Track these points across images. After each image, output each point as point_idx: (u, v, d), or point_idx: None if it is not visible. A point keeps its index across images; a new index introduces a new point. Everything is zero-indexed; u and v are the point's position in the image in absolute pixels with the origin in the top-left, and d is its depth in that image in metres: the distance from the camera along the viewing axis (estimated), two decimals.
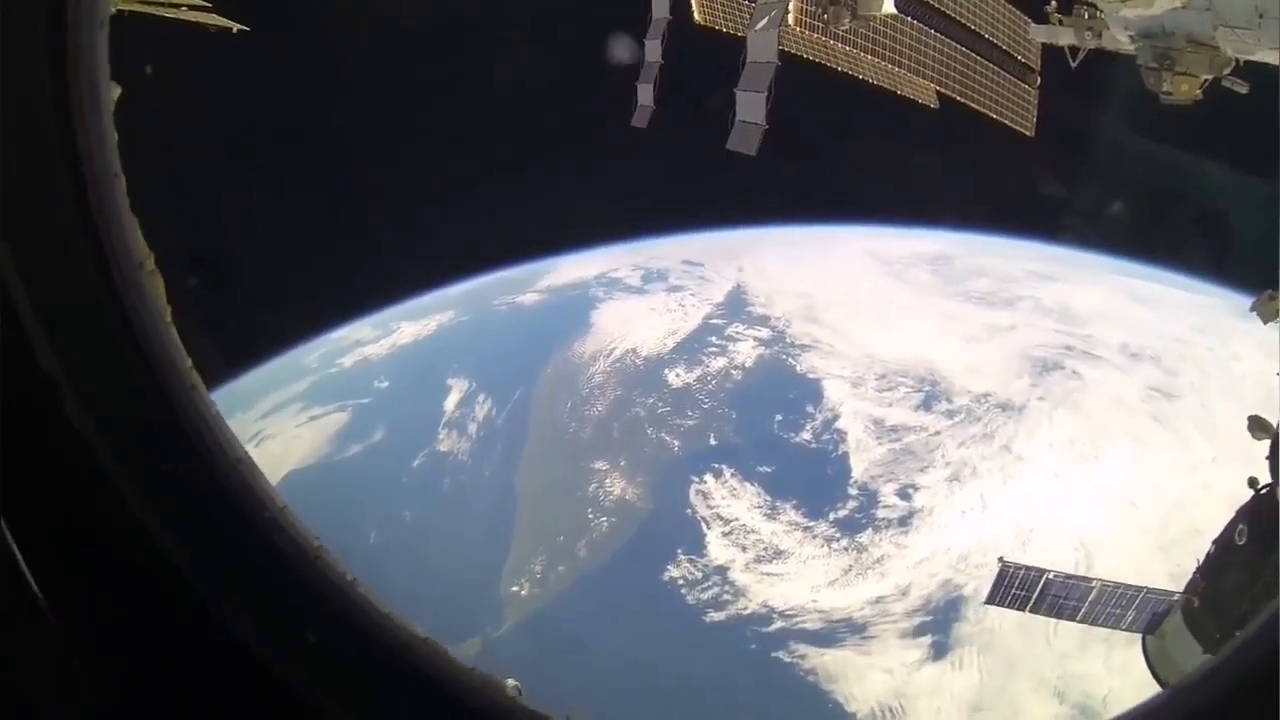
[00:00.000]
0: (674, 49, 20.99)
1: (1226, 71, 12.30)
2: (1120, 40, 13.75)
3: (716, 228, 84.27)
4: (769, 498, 61.26)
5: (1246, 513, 11.25)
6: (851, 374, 68.64)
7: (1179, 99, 12.65)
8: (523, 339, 76.38)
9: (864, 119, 57.62)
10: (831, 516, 60.01)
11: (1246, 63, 11.99)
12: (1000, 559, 18.95)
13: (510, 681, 3.06)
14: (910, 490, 60.93)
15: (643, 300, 78.83)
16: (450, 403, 70.68)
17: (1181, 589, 13.19)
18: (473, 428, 68.90)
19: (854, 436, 64.29)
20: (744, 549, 58.92)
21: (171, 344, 2.89)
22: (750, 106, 16.44)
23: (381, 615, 3.01)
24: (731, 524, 60.14)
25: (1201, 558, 12.15)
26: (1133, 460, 60.66)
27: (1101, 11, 13.95)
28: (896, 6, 17.14)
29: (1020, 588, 18.33)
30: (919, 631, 54.88)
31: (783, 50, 16.66)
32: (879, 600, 56.07)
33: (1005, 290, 76.10)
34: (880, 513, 59.97)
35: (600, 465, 64.66)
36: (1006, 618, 55.66)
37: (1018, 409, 65.52)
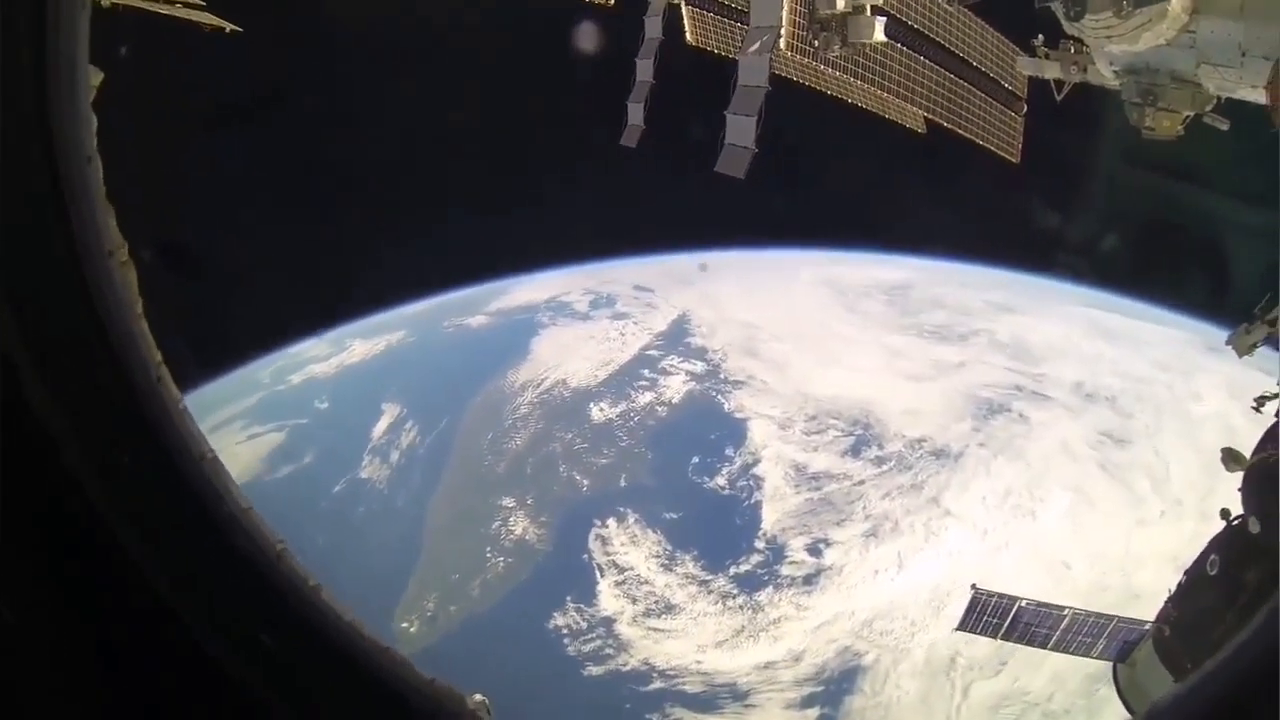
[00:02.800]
0: (665, 68, 21.38)
1: (1208, 108, 12.47)
2: (1105, 75, 13.90)
3: (686, 249, 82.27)
4: (670, 547, 58.13)
5: (1219, 543, 11.11)
6: (781, 414, 65.04)
7: (1161, 134, 12.84)
8: (461, 364, 75.01)
9: (849, 143, 56.96)
10: (732, 571, 56.51)
11: (1228, 100, 12.15)
12: (973, 585, 19.00)
13: (477, 696, 3.08)
14: (822, 545, 57.01)
15: (585, 328, 76.87)
16: (379, 428, 69.69)
17: (1151, 620, 13.47)
18: (395, 455, 67.66)
19: (771, 484, 60.64)
20: (634, 600, 55.96)
21: (141, 334, 2.84)
22: (740, 130, 16.74)
23: (343, 621, 2.97)
24: (626, 573, 57.24)
25: (1173, 587, 12.09)
26: (1072, 515, 56.13)
27: (1087, 47, 14.05)
28: (887, 33, 17.29)
29: (992, 615, 18.45)
30: (807, 703, 51.12)
31: (773, 74, 16.87)
32: (768, 665, 52.38)
33: (960, 324, 72.06)
34: (785, 569, 56.19)
35: (508, 502, 62.52)
36: (906, 690, 52.14)
37: (954, 456, 61.08)
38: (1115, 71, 13.37)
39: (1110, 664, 14.73)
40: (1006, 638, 18.43)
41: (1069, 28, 12.73)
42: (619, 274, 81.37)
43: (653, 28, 21.53)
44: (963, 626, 18.79)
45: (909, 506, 58.46)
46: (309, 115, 76.51)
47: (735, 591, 55.59)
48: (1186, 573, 11.81)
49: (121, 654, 2.63)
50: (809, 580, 55.53)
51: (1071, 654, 17.70)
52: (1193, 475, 55.02)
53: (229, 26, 20.45)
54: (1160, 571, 49.81)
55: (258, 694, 2.71)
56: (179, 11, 18.93)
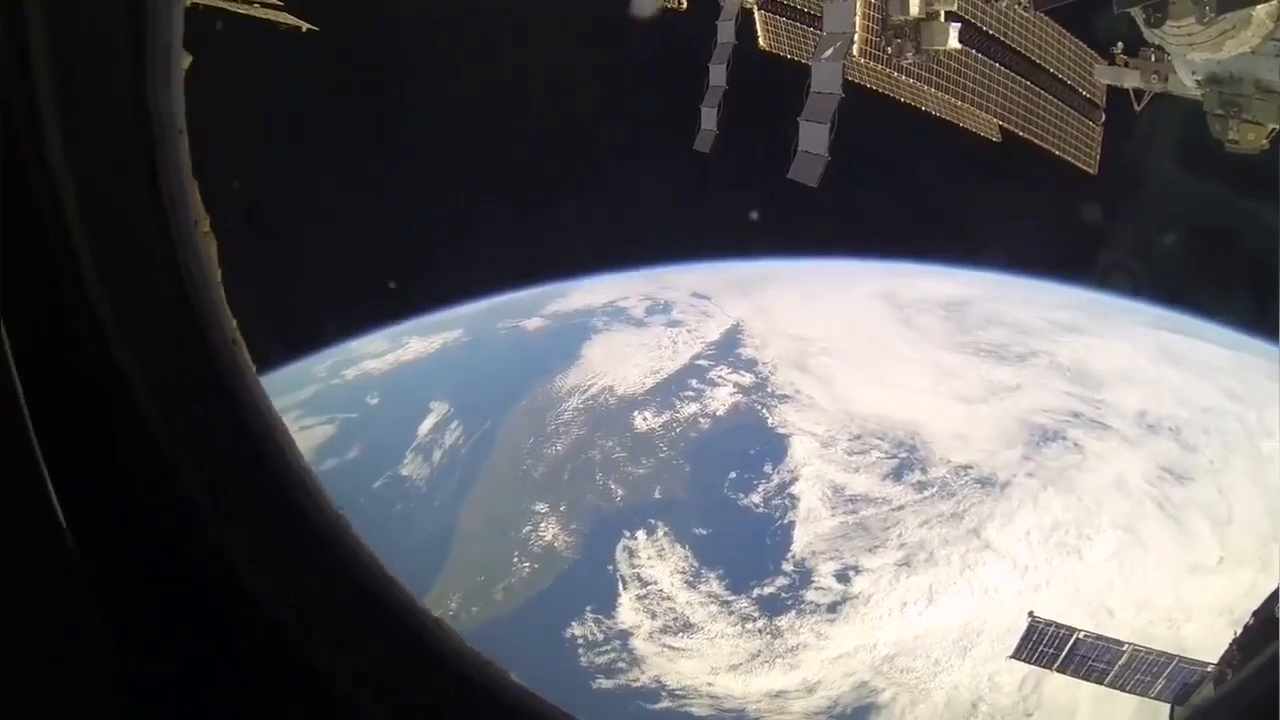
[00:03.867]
0: (737, 73, 21.20)
1: None
2: (1187, 84, 13.49)
3: (750, 257, 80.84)
4: (696, 563, 56.77)
5: None
6: (824, 432, 62.85)
7: (1245, 147, 12.38)
8: (511, 366, 75.24)
9: (923, 151, 57.28)
10: (756, 593, 54.78)
11: None
12: (1030, 613, 18.92)
13: None
14: (851, 572, 54.76)
15: (638, 334, 76.00)
16: (425, 427, 70.35)
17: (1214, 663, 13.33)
18: (437, 455, 68.14)
19: (806, 504, 58.62)
20: (654, 616, 54.85)
21: (219, 301, 2.99)
22: (813, 137, 16.67)
23: (397, 586, 3.04)
24: (649, 587, 56.19)
25: (1239, 630, 11.78)
26: (1122, 556, 52.54)
27: (1168, 55, 13.67)
28: (961, 40, 17.04)
29: (1049, 645, 18.21)
30: None
31: (847, 80, 16.76)
32: (779, 694, 50.62)
33: (1019, 343, 68.57)
34: (810, 595, 54.18)
35: (541, 507, 62.12)
36: None
37: (1000, 485, 57.92)
38: (1197, 81, 12.92)
39: (1168, 705, 14.95)
40: (1062, 670, 18.19)
41: (1149, 35, 12.25)
42: (680, 280, 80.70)
43: (725, 32, 21.38)
44: (1017, 655, 18.68)
45: (947, 537, 55.66)
46: (378, 113, 78.01)
47: (756, 614, 53.87)
48: (1254, 614, 11.39)
49: (180, 604, 2.71)
50: (833, 608, 53.42)
51: (1128, 692, 17.35)
52: (1257, 518, 50.99)
53: (305, 26, 20.85)
54: (1211, 624, 46.26)
55: (309, 654, 2.78)
56: (257, 11, 19.39)
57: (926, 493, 58.41)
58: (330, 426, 71.10)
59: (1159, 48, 13.67)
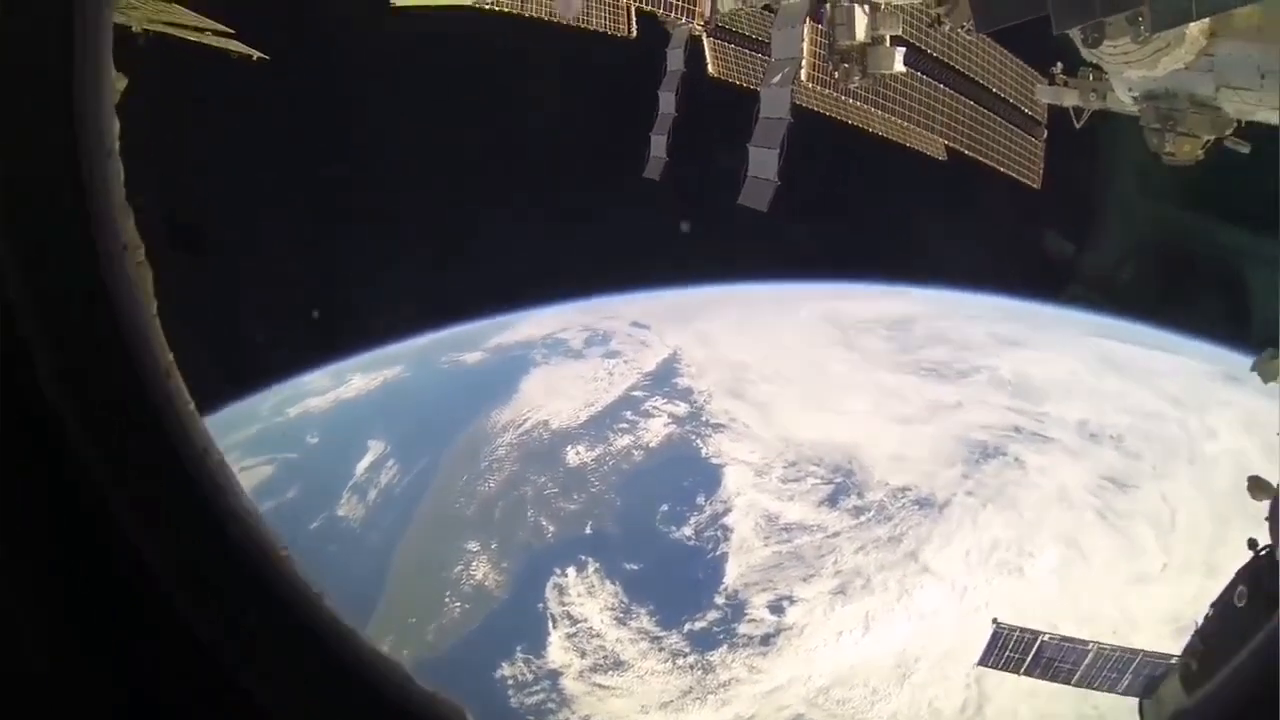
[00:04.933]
0: (687, 99, 21.66)
1: (1229, 132, 12.53)
2: (1124, 101, 14.00)
3: (697, 283, 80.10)
4: (626, 599, 55.29)
5: (1246, 574, 10.81)
6: (759, 460, 61.60)
7: (1181, 159, 12.88)
8: (449, 402, 73.90)
9: (871, 172, 57.12)
10: (687, 627, 53.25)
11: (1248, 122, 12.26)
12: (994, 620, 19.31)
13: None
14: (784, 603, 53.32)
15: (576, 366, 74.89)
16: (362, 465, 69.07)
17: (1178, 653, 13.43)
18: (372, 494, 66.89)
19: (739, 535, 57.27)
20: (583, 654, 53.30)
21: (154, 334, 2.89)
22: (763, 162, 16.97)
23: (345, 629, 2.93)
24: (579, 625, 54.69)
25: (1200, 620, 11.76)
26: (1063, 571, 51.21)
27: (1106, 73, 14.12)
28: (906, 63, 17.32)
29: (1014, 650, 18.65)
30: None
31: (795, 105, 17.22)
32: None
33: (961, 360, 67.91)
34: (743, 627, 52.67)
35: (472, 546, 60.75)
36: None
37: (939, 506, 56.69)
38: (1134, 97, 13.42)
39: (1136, 700, 14.36)
40: (1029, 673, 18.65)
41: (1087, 54, 12.70)
42: (622, 309, 79.78)
43: (675, 60, 21.61)
44: (984, 662, 19.15)
45: (883, 562, 54.35)
46: (319, 143, 77.37)
47: (687, 650, 52.25)
48: (1213, 605, 11.49)
49: (119, 644, 2.59)
50: (766, 640, 51.89)
51: (1095, 689, 17.77)
52: (1201, 523, 49.97)
53: (256, 54, 20.89)
54: (1157, 634, 45.06)
55: (255, 695, 2.65)
56: (208, 39, 19.45)
57: (863, 517, 57.14)
58: (269, 467, 69.73)
59: (1097, 66, 14.10)
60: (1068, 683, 18.30)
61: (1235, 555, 10.54)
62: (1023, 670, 18.61)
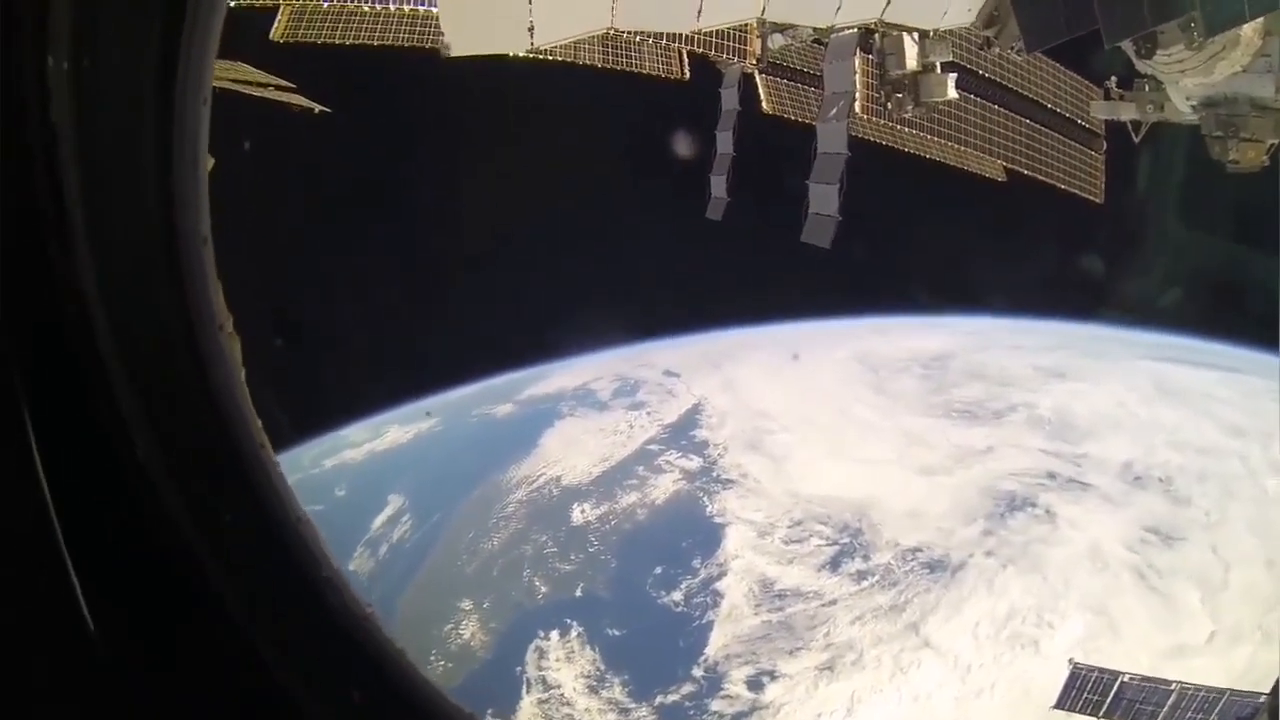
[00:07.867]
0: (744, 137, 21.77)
1: None
2: (1183, 110, 13.78)
3: (740, 324, 77.38)
4: (603, 666, 51.54)
5: None
6: (764, 519, 56.92)
7: (1245, 166, 12.59)
8: (472, 457, 72.45)
9: (928, 198, 55.20)
10: (658, 700, 48.94)
11: None
12: (1071, 660, 19.16)
13: None
14: (765, 678, 48.30)
15: (599, 419, 72.25)
16: (379, 520, 68.23)
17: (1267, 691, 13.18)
18: (384, 549, 65.84)
19: (730, 601, 52.70)
20: None
21: (244, 401, 2.96)
22: (823, 199, 16.92)
23: (427, 684, 3.06)
24: (551, 691, 51.34)
25: None
26: (1088, 645, 43.71)
27: (1162, 84, 13.99)
28: (959, 87, 17.29)
29: (1093, 692, 18.31)
30: None
31: (852, 136, 17.17)
32: None
33: (998, 398, 61.68)
34: (716, 704, 47.92)
35: (465, 604, 58.55)
36: None
37: (951, 569, 50.43)
38: (1192, 106, 13.09)
39: None
40: (1109, 716, 17.96)
41: (1141, 66, 12.52)
42: (658, 356, 77.17)
43: (729, 99, 21.61)
44: (1060, 705, 18.84)
45: (881, 634, 48.59)
46: (365, 198, 78.67)
47: None
48: None
49: (211, 705, 2.63)
50: (738, 719, 47.48)
51: None
52: (1259, 580, 42.43)
53: (317, 107, 21.41)
54: None
55: None
56: (271, 94, 19.74)
57: (865, 583, 51.51)
58: None
59: (1152, 78, 13.82)
60: None
61: None
62: (1102, 713, 17.95)
